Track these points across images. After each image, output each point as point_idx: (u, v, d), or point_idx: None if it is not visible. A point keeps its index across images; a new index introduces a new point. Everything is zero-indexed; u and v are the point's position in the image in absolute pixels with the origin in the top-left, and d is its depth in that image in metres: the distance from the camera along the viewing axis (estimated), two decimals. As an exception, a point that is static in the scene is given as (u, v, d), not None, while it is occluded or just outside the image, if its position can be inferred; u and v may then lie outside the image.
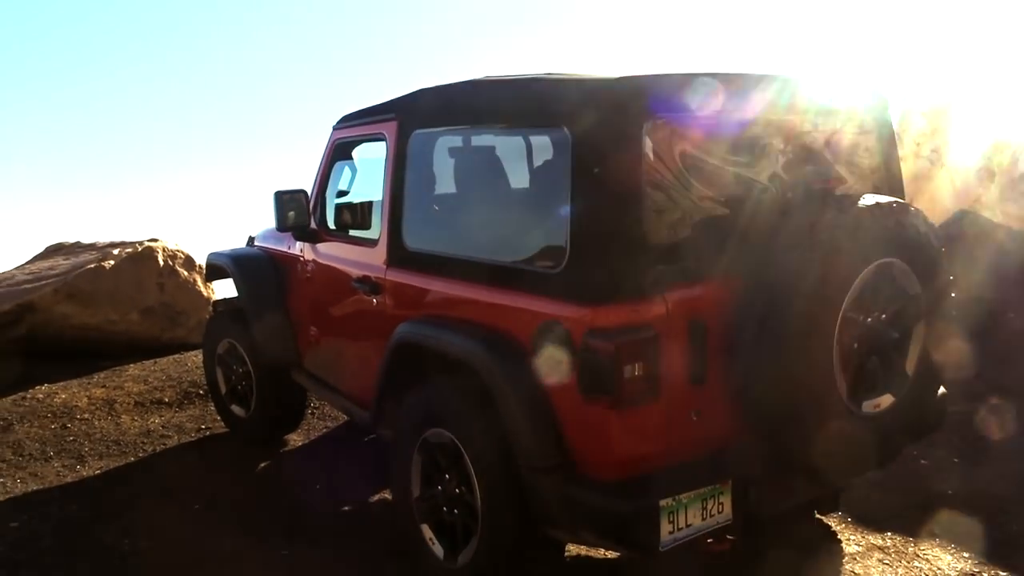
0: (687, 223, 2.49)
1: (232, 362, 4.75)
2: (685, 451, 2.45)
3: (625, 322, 2.29)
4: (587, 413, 2.34)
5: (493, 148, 3.15)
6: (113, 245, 6.79)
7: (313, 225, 3.92)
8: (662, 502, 2.29)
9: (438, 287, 2.90)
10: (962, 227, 6.64)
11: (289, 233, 4.02)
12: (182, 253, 6.72)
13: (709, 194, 2.52)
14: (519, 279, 2.57)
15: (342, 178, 3.99)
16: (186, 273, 6.70)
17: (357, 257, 3.53)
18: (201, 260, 6.80)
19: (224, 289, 5.73)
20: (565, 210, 2.38)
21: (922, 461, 4.30)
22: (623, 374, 2.24)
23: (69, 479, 4.40)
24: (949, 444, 4.46)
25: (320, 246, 3.90)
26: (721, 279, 2.44)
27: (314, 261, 3.94)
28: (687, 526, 2.36)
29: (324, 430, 5.05)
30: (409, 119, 3.18)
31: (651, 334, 2.30)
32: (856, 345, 2.46)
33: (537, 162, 2.94)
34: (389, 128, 3.29)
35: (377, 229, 3.37)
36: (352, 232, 3.68)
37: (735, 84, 2.53)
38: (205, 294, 6.74)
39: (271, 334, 4.34)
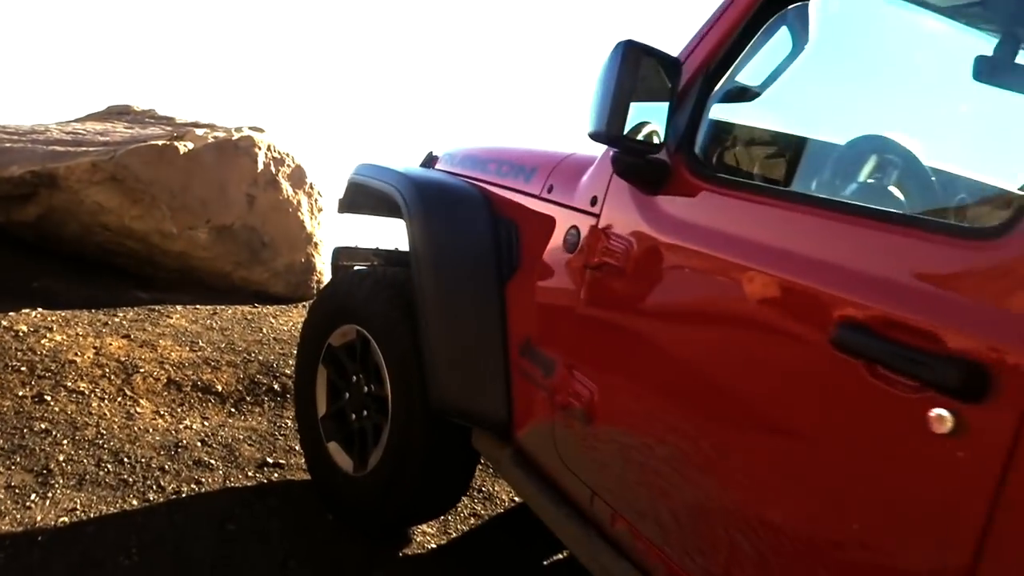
0: None
1: (352, 367, 2.54)
2: None
3: None
4: None
5: None
6: (197, 125, 4.63)
7: (664, 154, 1.62)
8: None
9: None
10: None
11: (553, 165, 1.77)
12: (292, 160, 4.51)
13: None
14: None
15: (769, 65, 1.68)
16: (291, 189, 4.49)
17: (891, 269, 1.18)
18: (315, 176, 4.59)
19: (352, 233, 3.57)
20: None
21: None
22: None
23: (4, 524, 2.21)
24: None
25: (685, 203, 1.58)
26: None
27: (651, 237, 1.62)
28: None
29: (472, 522, 2.79)
30: None
31: None
32: None
33: None
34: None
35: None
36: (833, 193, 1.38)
37: None
38: (309, 227, 4.53)
39: (465, 354, 2.11)
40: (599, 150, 1.96)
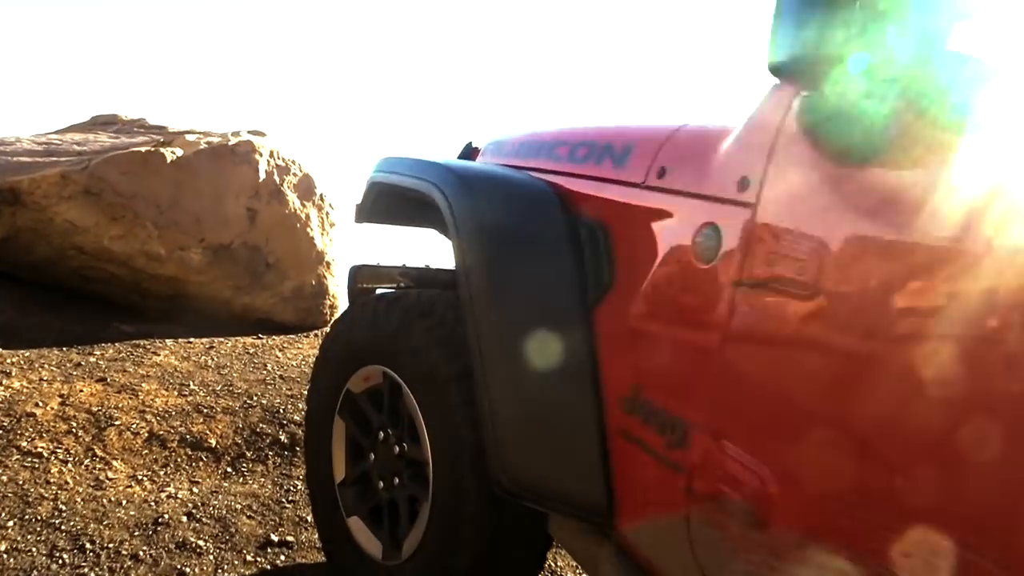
0: None
1: (378, 421, 1.96)
2: None
3: None
4: None
5: None
6: (191, 132, 4.06)
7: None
8: None
9: None
10: None
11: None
12: (299, 167, 3.93)
13: None
14: None
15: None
16: (298, 202, 3.91)
17: None
18: (326, 186, 4.01)
19: (372, 250, 3.04)
20: None
21: None
22: None
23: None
24: None
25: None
26: None
27: (864, 235, 1.01)
28: None
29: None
30: None
31: None
32: None
33: None
34: None
35: None
36: None
37: None
38: (320, 245, 3.94)
39: (540, 411, 1.51)
40: (727, 118, 1.37)
